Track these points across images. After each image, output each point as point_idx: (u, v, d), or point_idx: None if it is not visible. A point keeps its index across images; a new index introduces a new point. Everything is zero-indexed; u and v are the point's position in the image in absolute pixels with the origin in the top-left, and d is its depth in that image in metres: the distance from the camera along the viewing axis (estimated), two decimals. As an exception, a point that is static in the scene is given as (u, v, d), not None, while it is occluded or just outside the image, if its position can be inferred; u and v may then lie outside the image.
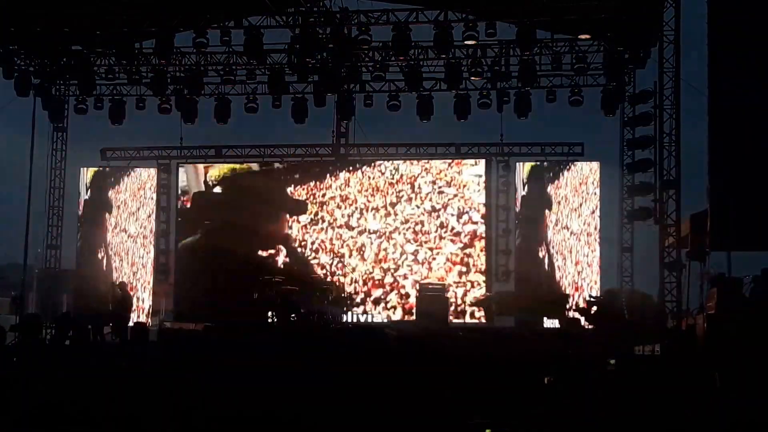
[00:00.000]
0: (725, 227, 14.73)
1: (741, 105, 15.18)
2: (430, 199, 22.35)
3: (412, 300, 21.06)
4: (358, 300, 22.00)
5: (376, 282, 22.22)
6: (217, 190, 23.27)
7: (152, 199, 23.60)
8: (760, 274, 13.49)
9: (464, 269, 21.97)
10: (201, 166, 23.51)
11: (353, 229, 22.63)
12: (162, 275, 23.53)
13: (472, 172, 22.38)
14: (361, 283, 22.36)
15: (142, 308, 23.04)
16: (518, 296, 20.78)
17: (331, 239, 22.66)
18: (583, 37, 20.65)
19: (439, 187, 22.39)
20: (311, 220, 22.79)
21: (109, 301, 19.37)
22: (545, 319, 19.71)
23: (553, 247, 21.91)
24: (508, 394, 11.95)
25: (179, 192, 23.46)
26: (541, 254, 21.97)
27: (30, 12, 19.66)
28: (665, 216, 17.94)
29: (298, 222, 22.82)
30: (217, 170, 23.41)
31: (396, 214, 22.44)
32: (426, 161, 22.78)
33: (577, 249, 21.78)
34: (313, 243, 22.71)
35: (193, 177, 23.46)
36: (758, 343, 12.24)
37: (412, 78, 21.11)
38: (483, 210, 22.16)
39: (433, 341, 15.42)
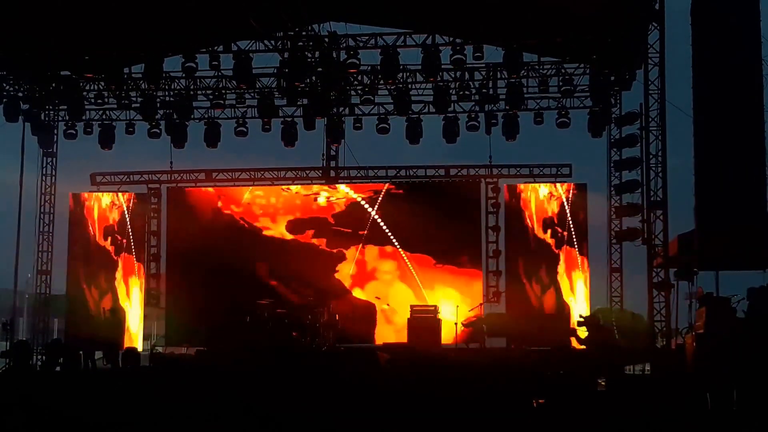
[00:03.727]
0: (712, 247, 14.87)
1: (726, 125, 15.34)
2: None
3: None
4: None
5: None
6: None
7: (143, 223, 23.60)
8: (746, 296, 13.51)
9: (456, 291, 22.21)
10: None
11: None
12: (153, 300, 23.52)
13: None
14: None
15: (133, 333, 22.97)
16: (509, 317, 20.85)
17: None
18: (569, 59, 20.86)
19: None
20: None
21: (100, 327, 19.33)
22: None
23: (542, 269, 22.04)
24: (500, 415, 11.99)
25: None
26: (529, 276, 22.10)
27: (18, 37, 19.69)
28: (653, 236, 18.04)
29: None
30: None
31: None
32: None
33: (565, 270, 21.92)
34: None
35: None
36: (747, 361, 12.32)
37: (400, 102, 21.25)
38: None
39: (424, 362, 15.47)
